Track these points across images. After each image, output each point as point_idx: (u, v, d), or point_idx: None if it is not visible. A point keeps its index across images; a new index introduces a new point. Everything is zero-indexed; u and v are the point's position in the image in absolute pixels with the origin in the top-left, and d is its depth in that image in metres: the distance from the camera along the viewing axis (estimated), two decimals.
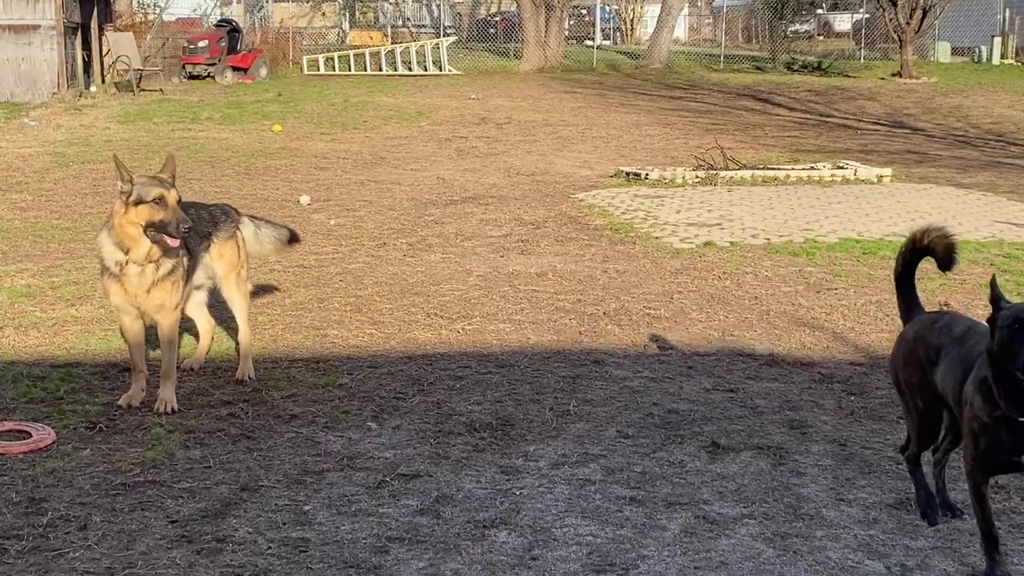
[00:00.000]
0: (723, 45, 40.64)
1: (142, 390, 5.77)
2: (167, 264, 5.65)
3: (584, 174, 14.56)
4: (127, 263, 5.58)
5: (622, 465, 4.99)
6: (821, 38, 47.30)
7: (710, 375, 6.34)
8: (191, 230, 5.57)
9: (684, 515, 4.47)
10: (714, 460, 5.07)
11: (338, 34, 44.25)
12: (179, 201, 5.57)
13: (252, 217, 6.71)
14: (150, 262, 5.59)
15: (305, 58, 33.21)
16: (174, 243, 5.52)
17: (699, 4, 59.30)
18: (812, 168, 14.49)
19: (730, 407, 5.79)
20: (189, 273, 5.90)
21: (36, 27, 21.93)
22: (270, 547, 4.19)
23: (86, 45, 24.89)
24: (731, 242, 9.97)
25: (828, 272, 8.83)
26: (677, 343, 6.96)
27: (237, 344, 6.47)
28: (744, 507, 4.55)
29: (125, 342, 5.90)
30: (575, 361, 6.58)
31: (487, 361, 6.56)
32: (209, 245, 6.12)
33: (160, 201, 5.49)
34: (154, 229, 5.48)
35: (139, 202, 5.49)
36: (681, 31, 49.76)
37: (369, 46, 35.77)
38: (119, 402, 5.72)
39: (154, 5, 33.47)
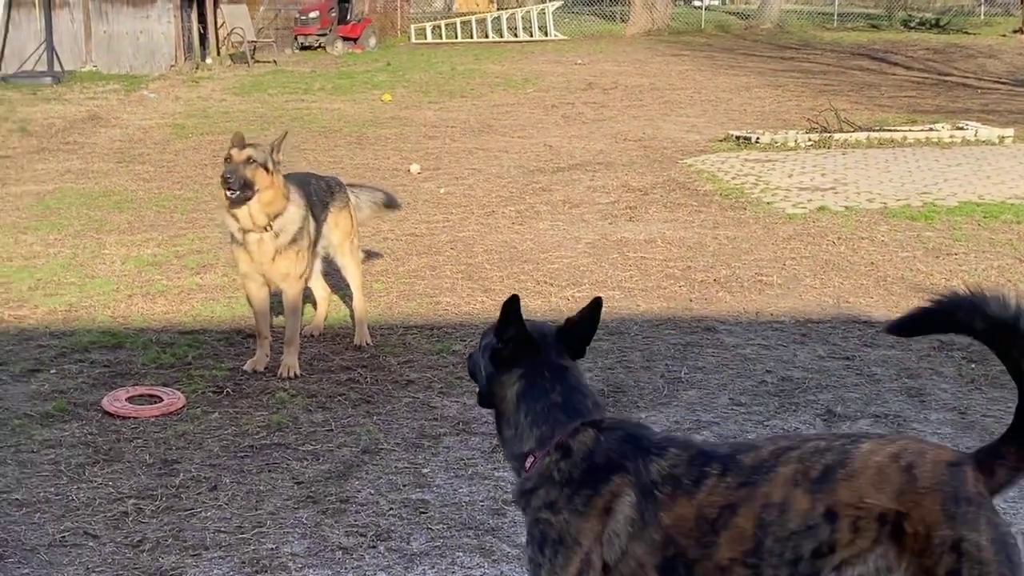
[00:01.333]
0: (836, 3, 39.71)
1: (266, 355, 5.97)
2: (288, 233, 5.83)
3: (692, 139, 14.45)
4: (244, 231, 5.78)
5: (735, 433, 5.02)
6: None
7: (825, 342, 6.30)
8: (232, 184, 5.68)
9: None
10: (830, 428, 5.06)
11: (445, 2, 44.38)
12: (249, 159, 5.71)
13: (351, 185, 6.86)
14: (259, 228, 5.77)
15: (413, 27, 33.41)
16: (228, 195, 5.71)
17: None
18: (930, 129, 14.15)
19: (846, 375, 5.76)
20: (314, 243, 6.08)
21: (153, 1, 22.46)
22: (391, 508, 4.33)
23: (202, 18, 25.39)
24: (846, 207, 9.83)
25: (947, 237, 8.67)
26: (790, 310, 6.93)
27: (351, 311, 6.64)
28: None
29: (251, 308, 6.10)
30: (686, 328, 6.59)
31: (598, 328, 6.59)
32: (326, 215, 6.28)
33: (227, 159, 5.77)
34: (228, 194, 5.74)
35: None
36: None
37: (475, 13, 35.82)
38: (244, 367, 5.93)
39: None
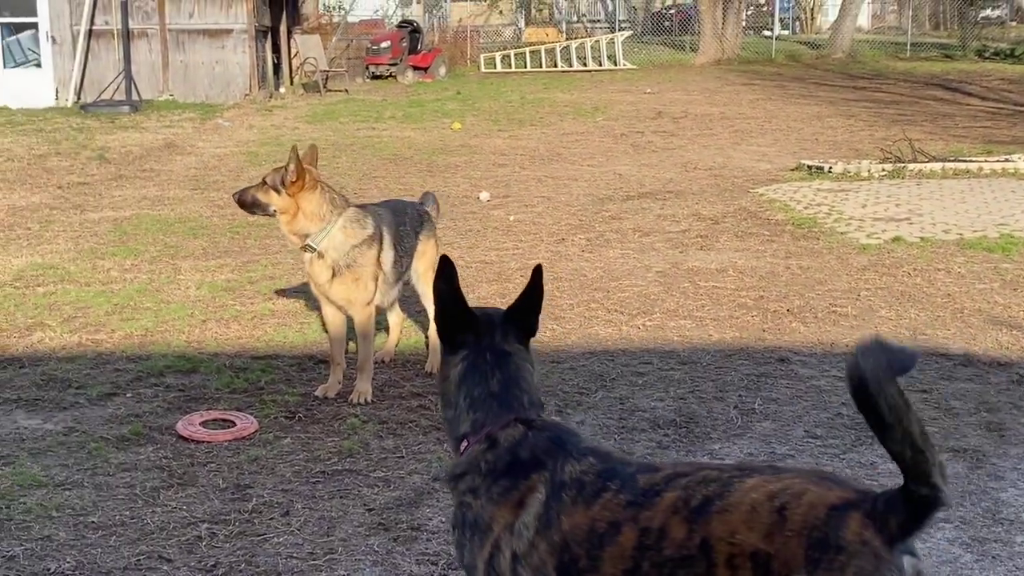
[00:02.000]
0: (909, 32, 39.31)
1: (339, 382, 6.01)
2: (335, 256, 5.88)
3: (763, 168, 14.35)
4: (303, 249, 5.99)
5: (811, 465, 4.94)
6: (1014, 24, 45.24)
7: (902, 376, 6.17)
8: (237, 198, 6.09)
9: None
10: None
11: (514, 31, 44.65)
12: (262, 182, 5.99)
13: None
14: (297, 247, 6.02)
15: (482, 56, 33.65)
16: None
17: None
18: (1007, 160, 13.91)
19: (923, 408, 5.65)
20: (397, 274, 6.14)
21: (229, 31, 22.87)
22: None
23: (275, 48, 25.82)
24: (921, 237, 9.69)
25: None
26: None
27: (427, 338, 6.65)
28: (940, 511, 4.43)
29: (326, 333, 6.16)
30: (759, 359, 6.52)
31: (669, 357, 6.57)
32: (416, 244, 6.32)
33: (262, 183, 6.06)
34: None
35: None
36: (864, 19, 48.38)
37: (544, 43, 35.97)
38: (316, 392, 5.97)
39: (339, 7, 34.45)
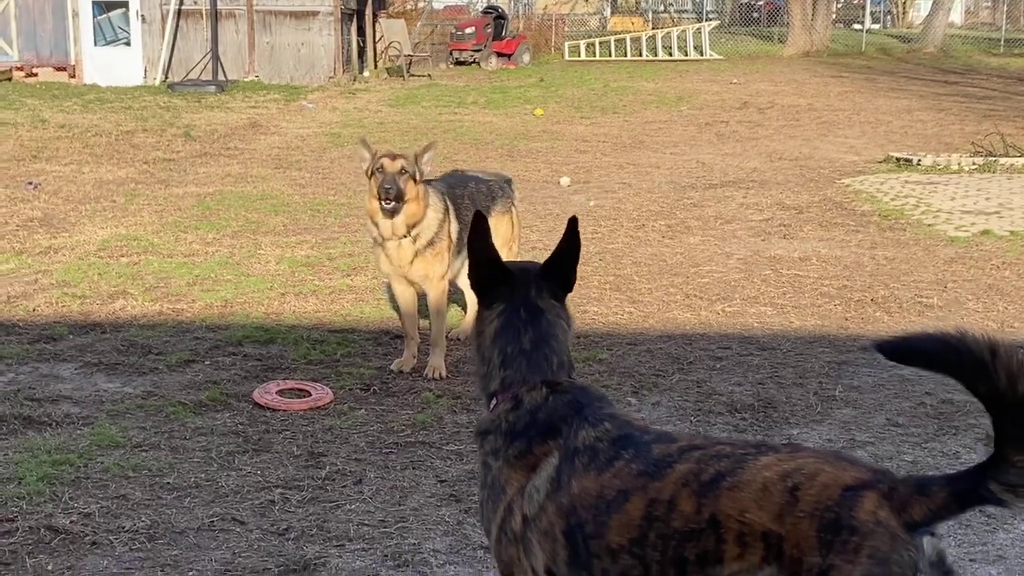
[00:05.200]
0: (1004, 28, 38.40)
1: (413, 356, 6.01)
2: (426, 235, 5.87)
3: (850, 159, 14.09)
4: (383, 238, 5.86)
5: (891, 454, 4.82)
6: None
7: None
8: (391, 195, 5.75)
9: None
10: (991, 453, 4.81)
11: (599, 20, 44.46)
12: (402, 171, 5.78)
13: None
14: (397, 237, 5.84)
15: (567, 44, 33.53)
16: (386, 205, 5.78)
17: None
18: None
19: None
20: (461, 245, 6.08)
21: (315, 13, 23.07)
22: None
23: (361, 31, 25.98)
24: (1011, 231, 9.42)
25: None
26: None
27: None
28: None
29: (396, 310, 6.15)
30: (840, 347, 6.39)
31: (748, 343, 6.46)
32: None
33: (380, 169, 5.80)
34: (384, 201, 5.78)
35: (370, 174, 5.83)
36: (957, 14, 47.38)
37: (630, 32, 35.75)
38: (391, 366, 5.98)
39: None
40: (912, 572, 2.21)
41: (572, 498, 2.55)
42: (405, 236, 5.87)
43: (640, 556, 2.45)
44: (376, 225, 5.89)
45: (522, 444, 2.68)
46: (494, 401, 2.79)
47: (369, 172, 5.86)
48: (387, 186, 5.72)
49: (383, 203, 5.77)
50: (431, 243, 5.92)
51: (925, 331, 2.35)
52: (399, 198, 5.75)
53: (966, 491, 2.23)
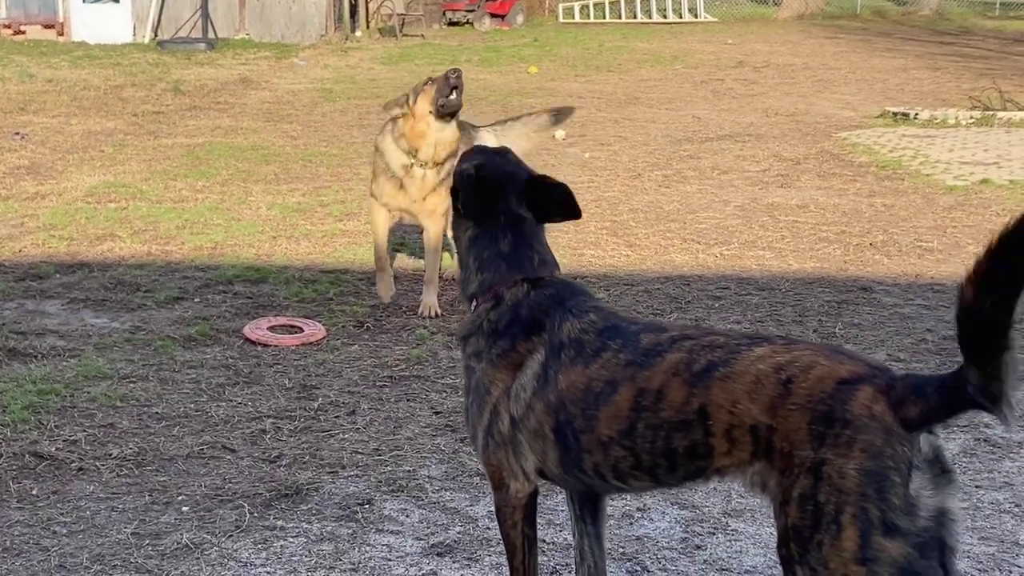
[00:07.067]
0: None
1: (390, 285, 5.96)
2: (446, 168, 5.73)
3: (847, 115, 13.96)
4: (412, 166, 5.71)
5: None
6: None
7: None
8: (453, 104, 5.61)
9: (963, 437, 4.21)
10: None
11: None
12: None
13: (495, 124, 6.71)
14: (435, 164, 5.70)
15: (561, 6, 33.22)
16: (448, 106, 5.62)
17: None
18: None
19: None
20: None
21: None
22: None
23: None
24: (1010, 180, 9.33)
25: None
26: (952, 274, 6.55)
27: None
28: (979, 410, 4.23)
29: (375, 240, 6.02)
30: (840, 287, 6.30)
31: (746, 284, 6.37)
32: None
33: (431, 80, 5.68)
34: (442, 101, 5.59)
35: (418, 93, 5.65)
36: None
37: None
38: (378, 295, 5.95)
39: None
40: (907, 467, 2.13)
41: (560, 393, 2.48)
42: (440, 164, 5.71)
43: (630, 448, 2.39)
44: (415, 151, 5.69)
45: (505, 343, 2.61)
46: (474, 303, 2.72)
47: (414, 99, 5.69)
48: (457, 75, 5.58)
49: (441, 108, 5.60)
50: (448, 176, 5.80)
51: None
52: (458, 108, 5.64)
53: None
